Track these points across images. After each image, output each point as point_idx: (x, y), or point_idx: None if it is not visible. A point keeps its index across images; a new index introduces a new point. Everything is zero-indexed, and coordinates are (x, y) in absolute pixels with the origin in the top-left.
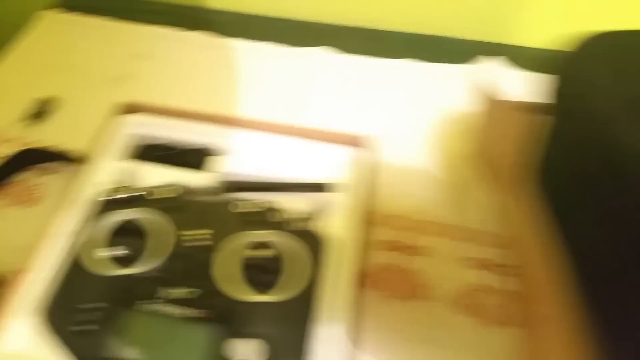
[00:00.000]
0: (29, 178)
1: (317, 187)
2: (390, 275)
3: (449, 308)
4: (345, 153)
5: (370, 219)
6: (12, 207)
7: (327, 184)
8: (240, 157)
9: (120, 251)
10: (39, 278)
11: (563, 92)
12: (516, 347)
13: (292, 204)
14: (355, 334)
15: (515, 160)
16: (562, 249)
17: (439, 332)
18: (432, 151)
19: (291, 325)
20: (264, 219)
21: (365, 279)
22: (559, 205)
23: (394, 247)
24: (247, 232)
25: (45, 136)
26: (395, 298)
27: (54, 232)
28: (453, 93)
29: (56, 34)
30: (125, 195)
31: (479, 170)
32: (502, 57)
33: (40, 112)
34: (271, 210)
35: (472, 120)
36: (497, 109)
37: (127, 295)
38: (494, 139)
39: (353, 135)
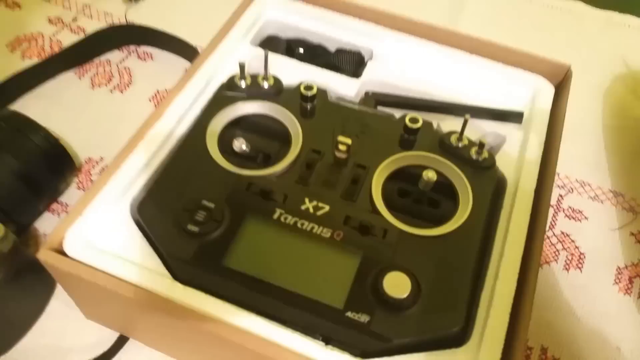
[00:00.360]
0: (119, 59)
1: (497, 116)
2: (546, 238)
3: (610, 285)
4: (534, 82)
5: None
6: (98, 88)
7: (510, 113)
8: (399, 66)
9: (247, 147)
10: (138, 165)
11: None
12: None
13: (464, 129)
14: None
15: None
16: None
17: (598, 308)
18: (603, 105)
19: (453, 264)
20: (428, 140)
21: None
22: None
23: (552, 206)
24: (409, 153)
25: (142, 15)
26: (546, 263)
27: (162, 115)
28: (636, 46)
29: None
30: (257, 87)
31: None
32: None
33: None
34: (437, 132)
35: None
36: None
37: (253, 199)
38: None
39: (549, 61)
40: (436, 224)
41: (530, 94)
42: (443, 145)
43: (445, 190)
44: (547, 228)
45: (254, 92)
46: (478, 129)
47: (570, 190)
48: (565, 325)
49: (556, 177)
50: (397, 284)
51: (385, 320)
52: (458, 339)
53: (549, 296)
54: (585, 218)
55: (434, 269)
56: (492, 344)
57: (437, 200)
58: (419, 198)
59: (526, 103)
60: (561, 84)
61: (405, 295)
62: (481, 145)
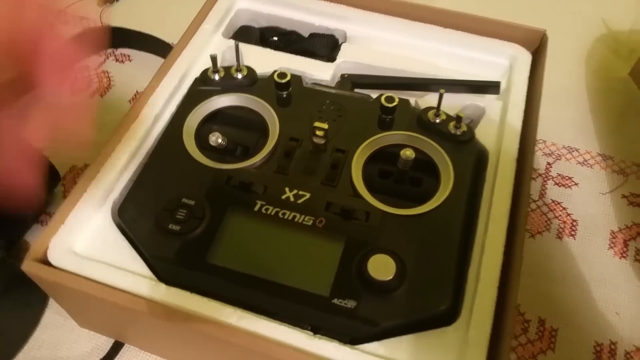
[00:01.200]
0: (97, 63)
1: (474, 88)
2: (537, 207)
3: (605, 249)
4: (510, 50)
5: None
6: (78, 95)
7: (486, 84)
8: (374, 46)
9: (223, 141)
10: (116, 168)
11: None
12: None
13: (440, 104)
14: (518, 267)
15: None
16: None
17: (594, 274)
18: (586, 68)
19: (438, 243)
20: (406, 119)
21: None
22: None
23: (541, 175)
24: (387, 133)
25: (118, 17)
26: (539, 233)
27: (138, 117)
28: (616, 6)
29: None
30: (231, 79)
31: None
32: None
33: None
34: (415, 109)
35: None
36: None
37: (232, 192)
38: None
39: (513, 26)
40: (419, 203)
41: (507, 62)
42: (421, 122)
43: (426, 168)
44: (537, 197)
45: (228, 84)
46: (457, 103)
47: (558, 157)
48: (562, 295)
49: (543, 145)
50: (381, 267)
51: (372, 304)
52: (447, 317)
53: (543, 267)
54: (576, 184)
55: (418, 248)
56: (481, 319)
57: (418, 178)
58: (399, 178)
59: (504, 72)
60: (538, 50)
61: (390, 277)
62: (458, 118)
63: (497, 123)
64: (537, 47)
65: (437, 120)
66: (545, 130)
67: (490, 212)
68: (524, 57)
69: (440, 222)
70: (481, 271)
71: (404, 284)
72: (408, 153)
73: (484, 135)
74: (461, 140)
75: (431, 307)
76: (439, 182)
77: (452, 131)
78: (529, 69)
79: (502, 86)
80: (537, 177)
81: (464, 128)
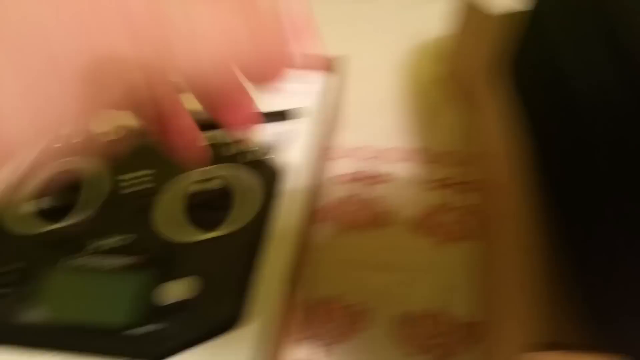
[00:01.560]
0: None
1: (274, 116)
2: (349, 207)
3: (408, 232)
4: (308, 78)
5: (332, 151)
6: None
7: (286, 112)
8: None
9: (47, 205)
10: None
11: None
12: (474, 261)
13: (245, 135)
14: (300, 269)
15: (486, 74)
16: (532, 158)
17: (396, 256)
18: (400, 78)
19: (229, 258)
20: (212, 153)
21: (323, 213)
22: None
23: (356, 178)
24: (195, 170)
25: None
26: (353, 229)
27: None
28: (424, 16)
29: None
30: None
31: (449, 92)
32: None
33: None
34: (220, 144)
35: (444, 44)
36: (473, 18)
37: (49, 252)
38: (466, 54)
39: (316, 57)
40: (223, 226)
41: (313, 88)
42: (226, 154)
43: (228, 194)
44: (355, 196)
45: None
46: (263, 129)
47: (376, 158)
48: (378, 280)
49: (361, 151)
50: (179, 289)
51: (171, 324)
52: (237, 322)
53: (363, 258)
54: (392, 179)
55: (216, 267)
56: (266, 316)
57: (222, 206)
58: (205, 207)
59: (311, 97)
60: (335, 73)
61: (185, 298)
62: (258, 145)
63: (296, 143)
64: (335, 70)
65: (241, 150)
66: (364, 137)
67: (282, 221)
68: (324, 82)
69: (238, 239)
70: (270, 275)
71: (198, 301)
72: (210, 184)
73: (284, 155)
74: (261, 165)
75: (222, 316)
76: (240, 205)
77: (254, 157)
78: (328, 90)
79: (306, 110)
80: (361, 179)
81: (263, 153)
